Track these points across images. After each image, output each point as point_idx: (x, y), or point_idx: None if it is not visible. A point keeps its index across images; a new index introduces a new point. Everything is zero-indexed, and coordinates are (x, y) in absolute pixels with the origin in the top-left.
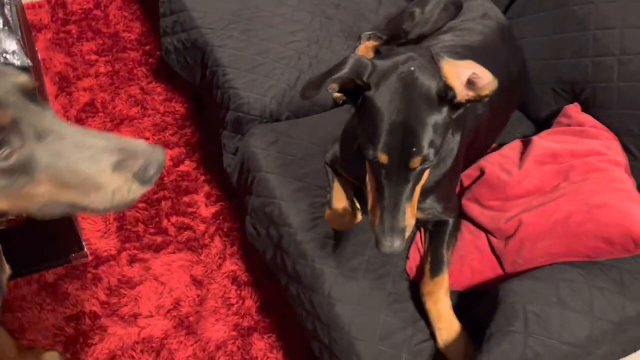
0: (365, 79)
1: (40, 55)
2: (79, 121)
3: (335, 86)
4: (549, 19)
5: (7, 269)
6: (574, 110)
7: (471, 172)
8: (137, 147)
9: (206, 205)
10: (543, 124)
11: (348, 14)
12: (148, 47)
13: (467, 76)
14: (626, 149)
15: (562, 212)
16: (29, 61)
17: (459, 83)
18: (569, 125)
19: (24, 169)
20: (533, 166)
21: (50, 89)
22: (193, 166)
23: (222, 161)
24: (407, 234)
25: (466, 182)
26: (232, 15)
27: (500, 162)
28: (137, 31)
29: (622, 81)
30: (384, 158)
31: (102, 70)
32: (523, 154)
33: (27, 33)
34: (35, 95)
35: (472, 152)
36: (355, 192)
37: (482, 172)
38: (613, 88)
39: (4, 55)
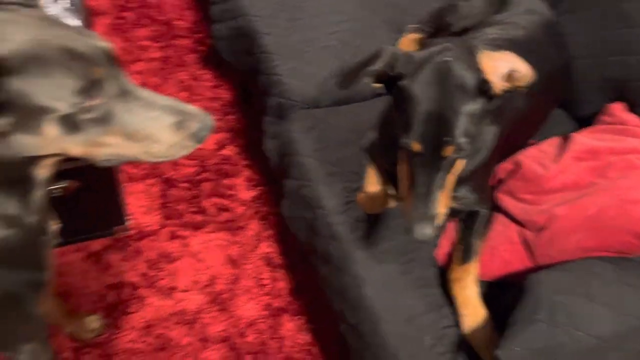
0: (398, 69)
1: None
2: None
3: (369, 79)
4: (597, 15)
5: (56, 223)
6: (618, 108)
7: (507, 166)
8: (194, 111)
9: (246, 189)
10: (585, 122)
11: (393, 7)
12: (199, 35)
13: (504, 69)
14: None
15: (595, 206)
16: None
17: (496, 75)
18: (612, 124)
19: (104, 121)
20: (570, 161)
21: None
22: (235, 151)
23: (263, 147)
24: (439, 221)
25: (501, 175)
26: (279, 3)
27: (537, 156)
28: (189, 19)
29: None
30: (417, 146)
31: (154, 55)
32: (561, 149)
33: (87, 17)
34: (115, 59)
35: (509, 145)
36: (390, 178)
37: (518, 166)
38: None
39: None
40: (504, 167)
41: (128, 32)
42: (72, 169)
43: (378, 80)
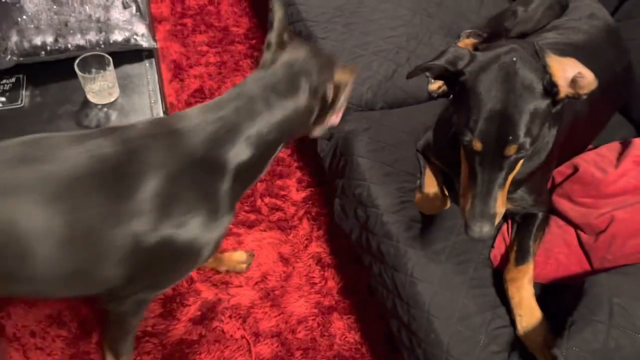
0: (461, 67)
1: (159, 44)
2: (188, 105)
3: (430, 73)
4: None
5: None
6: None
7: (564, 169)
8: None
9: (297, 190)
10: None
11: (449, 12)
12: (254, 41)
13: (572, 74)
14: None
15: None
16: (155, 43)
17: (564, 79)
18: None
19: None
20: (631, 166)
21: (165, 74)
22: (287, 153)
23: (315, 150)
24: (497, 220)
25: (558, 179)
26: (335, 9)
27: (595, 160)
28: (245, 26)
29: None
30: (478, 145)
31: (212, 60)
32: (621, 154)
33: (151, 23)
34: None
35: (568, 149)
36: (445, 180)
37: (576, 169)
38: None
39: (135, 36)
40: (561, 171)
41: (187, 38)
42: None
43: (440, 77)
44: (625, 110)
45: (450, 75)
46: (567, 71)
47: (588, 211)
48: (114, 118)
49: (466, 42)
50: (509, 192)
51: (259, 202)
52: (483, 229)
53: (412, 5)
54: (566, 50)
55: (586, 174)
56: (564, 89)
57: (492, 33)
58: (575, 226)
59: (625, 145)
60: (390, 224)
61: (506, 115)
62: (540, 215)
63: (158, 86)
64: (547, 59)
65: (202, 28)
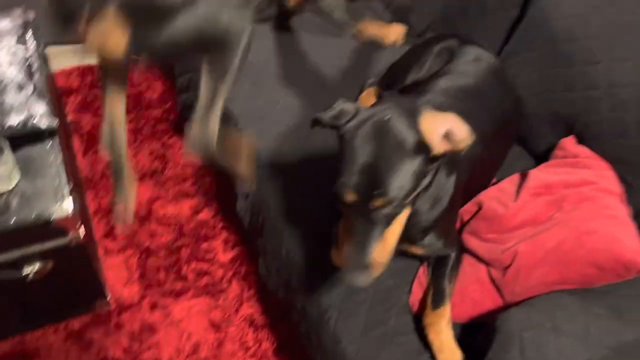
0: (342, 122)
1: (70, 117)
2: (104, 176)
3: (321, 126)
4: (538, 57)
5: None
6: (569, 142)
7: (470, 207)
8: None
9: (223, 251)
10: (542, 157)
11: (354, 63)
12: (168, 104)
13: (443, 131)
14: (622, 178)
15: (554, 240)
16: (56, 121)
17: (435, 137)
18: (565, 157)
19: None
20: (528, 198)
21: (78, 147)
22: (211, 214)
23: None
24: (377, 269)
25: (465, 217)
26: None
27: (497, 195)
28: (159, 90)
29: (611, 112)
30: (350, 196)
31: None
32: (520, 186)
33: (56, 97)
34: None
35: (471, 188)
36: None
37: (480, 207)
38: (604, 120)
39: (33, 118)
40: (467, 209)
41: (100, 108)
42: (44, 251)
43: (332, 128)
44: (523, 142)
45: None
46: (438, 128)
47: (494, 247)
48: (15, 205)
49: (369, 91)
50: (418, 239)
51: (184, 268)
52: (358, 278)
53: (317, 58)
54: (458, 95)
55: (489, 210)
56: (436, 146)
57: (390, 82)
58: (485, 263)
59: (524, 177)
60: (311, 280)
61: (376, 169)
62: (452, 255)
63: (63, 166)
64: (420, 117)
65: None
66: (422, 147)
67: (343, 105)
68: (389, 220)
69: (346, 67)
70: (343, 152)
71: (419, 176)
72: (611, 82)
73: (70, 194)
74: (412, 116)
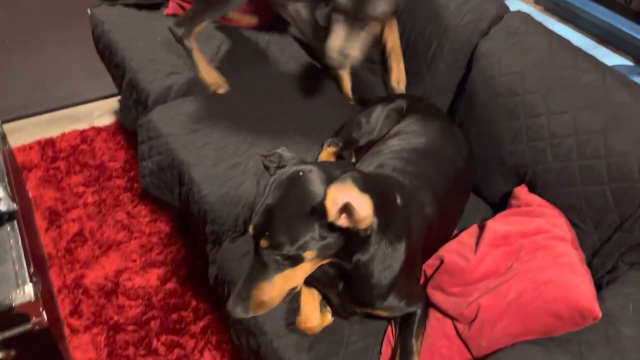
0: (274, 167)
1: (31, 193)
2: (68, 251)
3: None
4: (485, 112)
5: None
6: (521, 191)
7: (432, 262)
8: None
9: (194, 321)
10: (499, 205)
11: (312, 123)
12: (132, 173)
13: (342, 203)
14: (572, 223)
15: (514, 292)
16: (15, 205)
17: (333, 207)
18: (519, 206)
19: None
20: (487, 250)
21: (40, 223)
22: (179, 283)
23: (207, 274)
24: (258, 308)
25: (429, 272)
26: (205, 136)
27: (457, 248)
28: (122, 159)
29: (556, 162)
30: (251, 230)
31: (90, 200)
32: (479, 238)
33: (15, 175)
34: None
35: (431, 245)
36: (323, 295)
37: (442, 261)
38: (550, 169)
39: None
40: (429, 263)
41: (62, 182)
42: (6, 338)
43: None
44: (479, 192)
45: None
46: (340, 200)
47: (458, 300)
48: None
49: (328, 151)
50: (377, 303)
51: (155, 342)
52: (234, 308)
53: (276, 122)
54: (409, 156)
55: (450, 263)
56: (332, 215)
57: (345, 142)
58: (451, 317)
59: (482, 229)
60: (280, 349)
61: (273, 213)
62: (418, 312)
63: (22, 250)
64: (332, 185)
65: (76, 169)
66: (321, 211)
67: (282, 152)
68: (279, 266)
69: (305, 126)
70: (263, 191)
71: (313, 236)
72: (552, 133)
73: (31, 278)
74: (328, 182)
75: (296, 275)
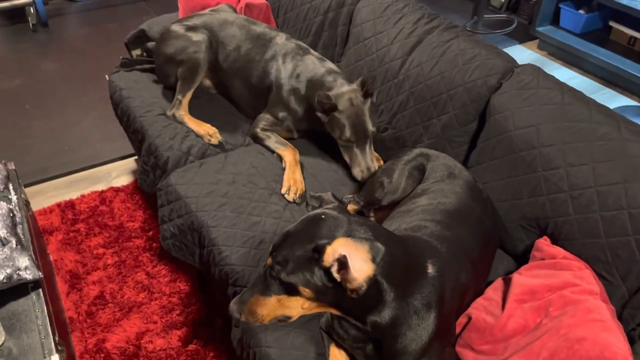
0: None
1: (52, 257)
2: (89, 315)
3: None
4: (502, 165)
5: None
6: (543, 243)
7: (460, 320)
8: None
9: None
10: (521, 257)
11: (326, 181)
12: (151, 233)
13: (340, 254)
14: (599, 275)
15: (546, 351)
16: (40, 273)
17: (331, 254)
18: (543, 259)
19: None
20: (514, 305)
21: (61, 287)
22: (201, 343)
23: (229, 334)
24: (248, 316)
25: (457, 330)
26: (222, 197)
27: (484, 305)
28: (140, 219)
29: (578, 214)
30: (270, 247)
31: (109, 261)
32: (505, 293)
33: (38, 240)
34: None
35: (462, 308)
36: (350, 356)
37: (470, 318)
38: (572, 220)
39: (18, 272)
40: (458, 322)
41: (82, 244)
42: None
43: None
44: (501, 245)
45: None
46: (338, 251)
47: (489, 359)
48: None
49: (350, 208)
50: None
51: None
52: (232, 306)
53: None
54: (444, 219)
55: (479, 320)
56: (328, 260)
57: (367, 202)
58: None
59: (507, 282)
60: None
61: (285, 238)
62: None
63: (47, 319)
64: (339, 237)
65: (96, 230)
66: (320, 253)
67: (326, 196)
68: (276, 289)
69: (319, 184)
70: None
71: (309, 273)
72: (572, 185)
73: (57, 348)
74: (345, 234)
75: (290, 305)
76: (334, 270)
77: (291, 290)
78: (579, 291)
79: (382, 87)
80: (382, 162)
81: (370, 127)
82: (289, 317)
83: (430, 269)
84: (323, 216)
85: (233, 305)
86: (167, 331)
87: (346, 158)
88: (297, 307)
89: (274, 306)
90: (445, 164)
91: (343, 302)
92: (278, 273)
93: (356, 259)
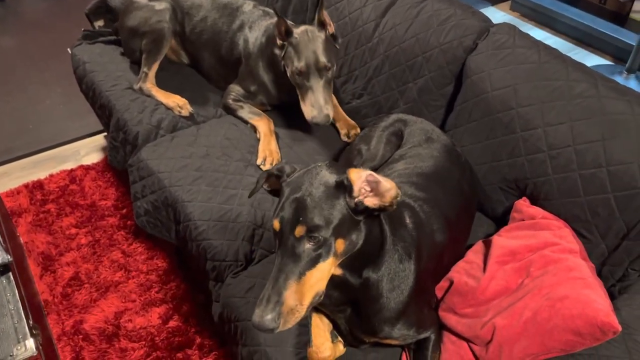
0: (283, 174)
1: (22, 239)
2: (65, 297)
3: (266, 184)
4: (480, 127)
5: None
6: (523, 204)
7: (442, 284)
8: None
9: (200, 358)
10: (501, 219)
11: (302, 151)
12: (124, 210)
13: (365, 176)
14: (578, 233)
15: (529, 310)
16: (9, 257)
17: (358, 180)
18: (522, 220)
19: None
20: (496, 267)
21: (34, 270)
22: (182, 320)
23: (210, 309)
24: (289, 317)
25: (439, 294)
26: (196, 170)
27: (465, 268)
28: (113, 197)
29: (557, 173)
30: (276, 225)
31: (83, 241)
32: (486, 255)
33: (6, 223)
34: None
35: (442, 270)
36: (334, 325)
37: (451, 282)
38: (551, 180)
39: None
40: (439, 286)
41: (53, 225)
42: None
43: (273, 192)
44: (480, 207)
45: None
46: (362, 174)
47: (472, 322)
48: None
49: None
50: (385, 331)
51: None
52: (264, 316)
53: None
54: (419, 180)
55: (460, 284)
56: (357, 188)
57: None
58: (467, 339)
59: (487, 245)
60: None
61: (301, 200)
62: (432, 337)
63: (20, 303)
64: (348, 170)
65: (67, 210)
66: (345, 187)
67: (284, 165)
68: (312, 260)
69: (296, 152)
70: (279, 197)
71: (344, 215)
72: (550, 144)
73: (32, 332)
74: (342, 172)
75: (324, 274)
76: (367, 199)
77: (327, 251)
78: (559, 250)
79: (356, 52)
80: (358, 129)
81: (322, 58)
82: (322, 292)
83: (408, 220)
84: (318, 166)
85: (264, 317)
86: (147, 309)
87: (301, 102)
88: (328, 273)
89: (311, 284)
90: (422, 129)
91: (354, 259)
92: (317, 233)
93: (377, 176)
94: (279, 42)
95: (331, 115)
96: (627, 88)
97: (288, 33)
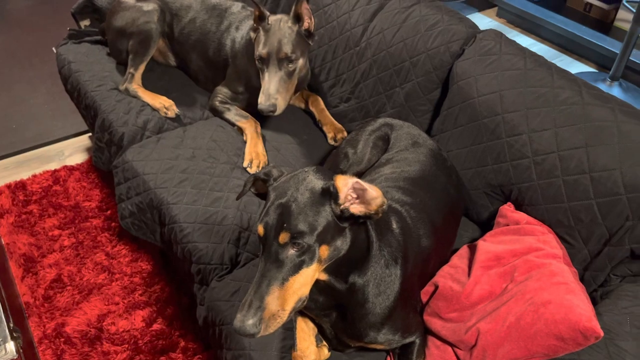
0: (270, 180)
1: (3, 240)
2: (47, 299)
3: (253, 188)
4: (466, 132)
5: None
6: (507, 209)
7: (427, 289)
8: None
9: None
10: (486, 224)
11: (289, 153)
12: (109, 212)
13: (351, 183)
14: (562, 238)
15: (513, 315)
16: None
17: (344, 187)
18: (507, 225)
19: None
20: (480, 272)
21: (15, 272)
22: (166, 323)
23: (195, 313)
24: (270, 324)
25: (424, 298)
26: (182, 172)
27: (450, 273)
28: (97, 198)
29: (541, 179)
30: (260, 230)
31: (66, 243)
32: (471, 260)
33: None
34: None
35: (428, 275)
36: (319, 328)
37: (436, 287)
38: (535, 186)
39: None
40: (425, 290)
41: (35, 226)
42: None
43: (260, 195)
44: (466, 212)
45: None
46: (348, 181)
47: (457, 326)
48: None
49: None
50: (369, 336)
51: None
52: (245, 320)
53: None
54: (405, 185)
55: (445, 289)
56: (343, 195)
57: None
58: (451, 344)
59: (472, 249)
60: None
61: (286, 205)
62: (417, 341)
63: (0, 305)
64: (334, 177)
65: (50, 211)
66: (331, 193)
67: (272, 169)
68: (295, 266)
69: (284, 157)
70: (265, 201)
71: (329, 222)
72: (535, 150)
73: (12, 334)
74: (329, 178)
75: (307, 279)
76: (351, 200)
77: (311, 257)
78: (543, 255)
79: (343, 56)
80: (345, 133)
81: (285, 48)
82: (306, 297)
83: (395, 225)
84: (306, 170)
85: (245, 321)
86: (130, 312)
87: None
88: (312, 278)
89: (294, 290)
90: (409, 133)
91: (340, 263)
92: (301, 240)
93: (364, 183)
94: (254, 25)
95: (279, 105)
96: (611, 95)
97: (262, 18)
